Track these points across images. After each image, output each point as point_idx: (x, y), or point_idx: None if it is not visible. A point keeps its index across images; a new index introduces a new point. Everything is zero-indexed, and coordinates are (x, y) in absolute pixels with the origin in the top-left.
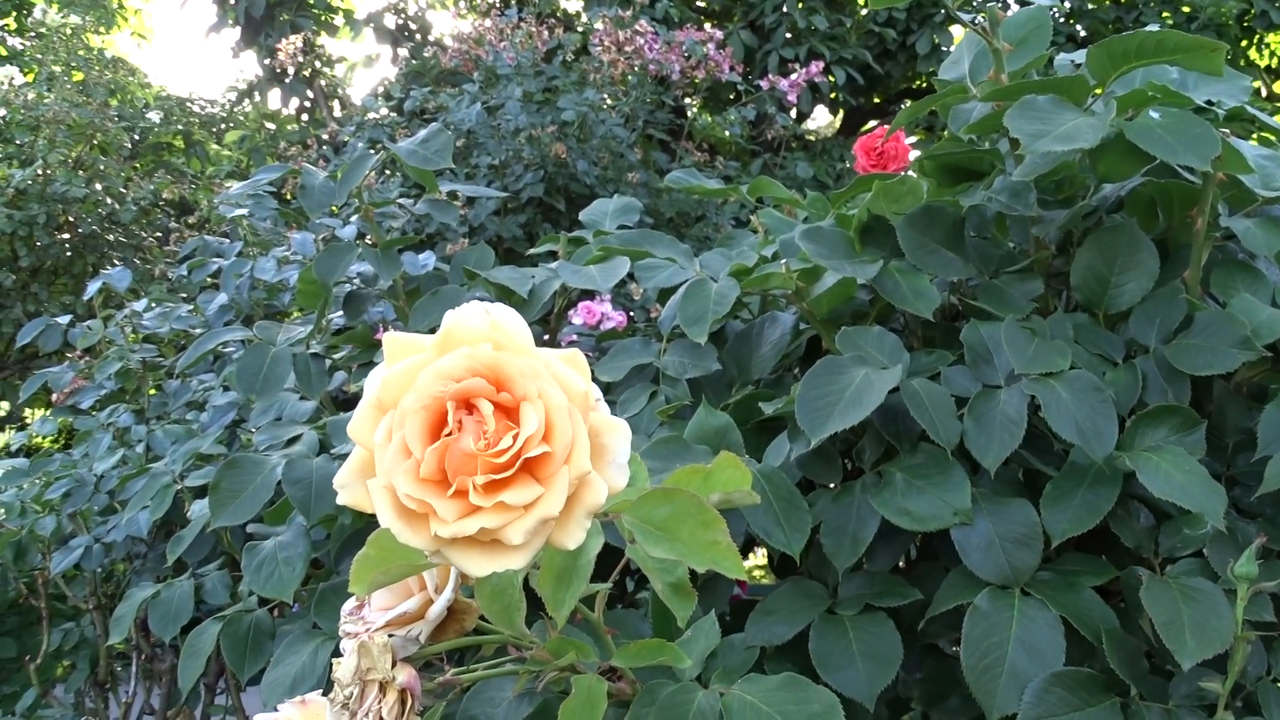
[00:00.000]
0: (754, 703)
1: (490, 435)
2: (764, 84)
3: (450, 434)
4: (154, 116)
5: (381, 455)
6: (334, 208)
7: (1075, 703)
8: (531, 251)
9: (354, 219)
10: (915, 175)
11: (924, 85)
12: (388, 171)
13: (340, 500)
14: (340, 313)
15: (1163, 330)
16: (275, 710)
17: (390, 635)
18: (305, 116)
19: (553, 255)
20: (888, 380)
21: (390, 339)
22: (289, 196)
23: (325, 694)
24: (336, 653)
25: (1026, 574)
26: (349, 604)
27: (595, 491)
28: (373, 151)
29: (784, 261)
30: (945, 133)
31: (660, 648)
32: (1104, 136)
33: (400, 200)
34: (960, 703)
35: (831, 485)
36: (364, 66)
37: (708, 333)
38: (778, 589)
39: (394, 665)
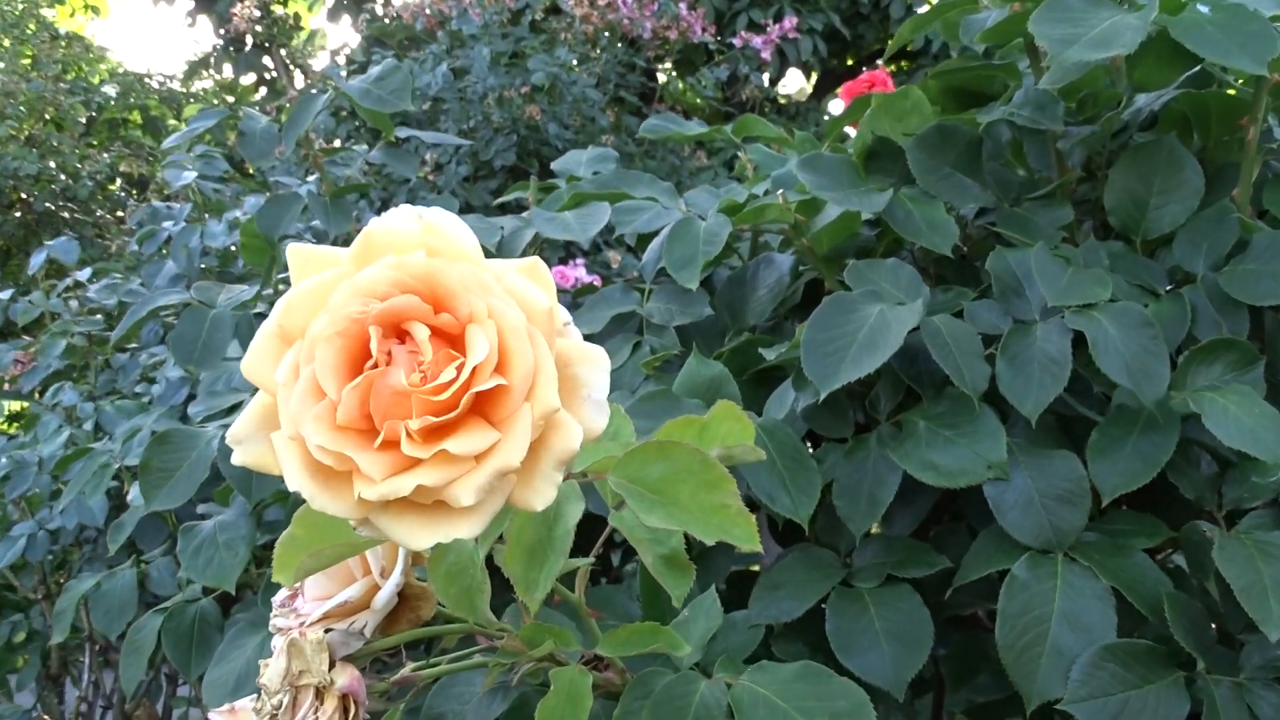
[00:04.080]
0: (767, 696)
1: (427, 367)
2: (737, 42)
3: (375, 367)
4: (110, 91)
5: (286, 398)
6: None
7: (1131, 680)
8: (499, 201)
9: (313, 178)
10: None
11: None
12: (351, 139)
13: (236, 459)
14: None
15: (1212, 256)
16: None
17: (328, 630)
18: (265, 88)
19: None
20: (906, 319)
21: (295, 250)
22: (250, 171)
23: None
24: None
25: (1071, 536)
26: (281, 594)
27: (566, 435)
28: (322, 93)
29: (780, 192)
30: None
31: (654, 633)
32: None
33: (353, 146)
34: (991, 680)
35: (841, 439)
36: (313, 44)
37: (699, 276)
38: (783, 559)
39: (332, 666)
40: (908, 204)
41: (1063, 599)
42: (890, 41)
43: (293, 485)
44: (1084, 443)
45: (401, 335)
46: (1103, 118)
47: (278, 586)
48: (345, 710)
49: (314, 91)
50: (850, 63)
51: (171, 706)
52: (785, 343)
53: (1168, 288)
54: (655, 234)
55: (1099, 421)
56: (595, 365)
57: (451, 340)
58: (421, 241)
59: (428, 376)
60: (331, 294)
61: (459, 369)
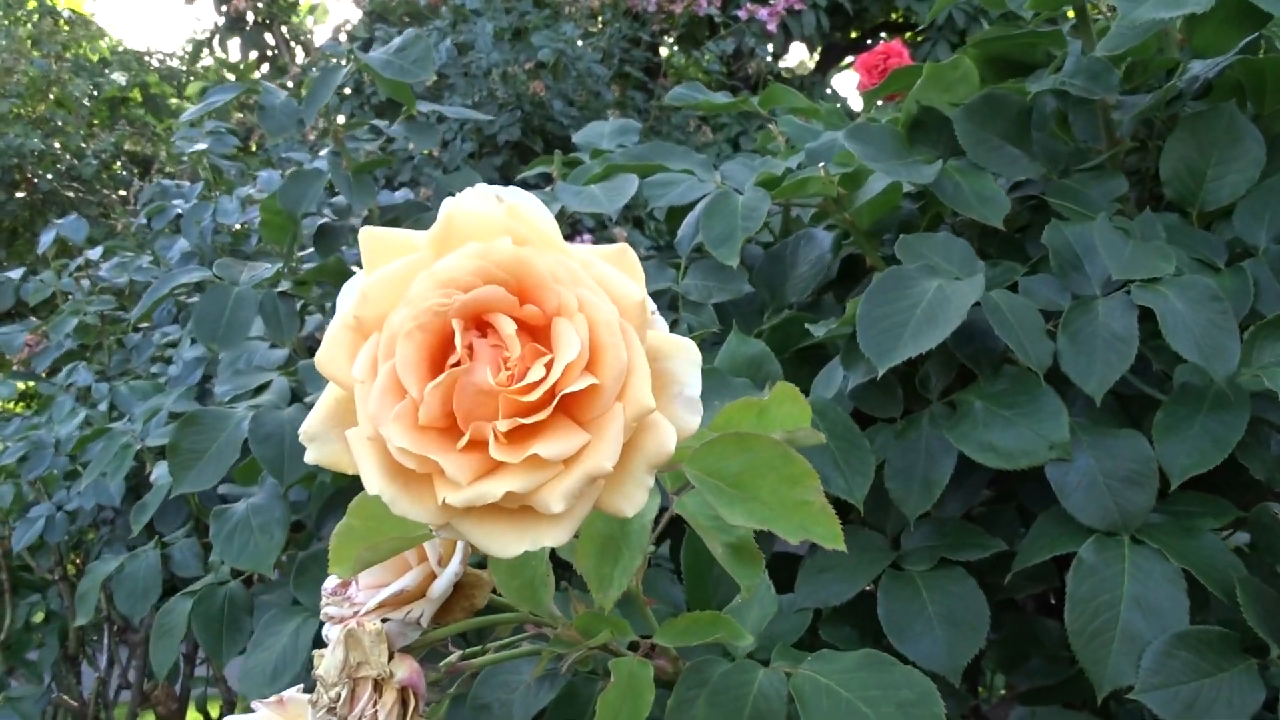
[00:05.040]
0: (829, 685)
1: (514, 364)
2: (742, 14)
3: (458, 363)
4: (118, 78)
5: (364, 395)
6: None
7: (1205, 668)
8: (522, 175)
9: (325, 152)
10: None
11: (901, 20)
12: (354, 117)
13: (309, 458)
14: (312, 250)
15: (1275, 228)
16: (252, 710)
17: (385, 620)
18: (267, 66)
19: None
20: (968, 293)
21: (370, 235)
22: (255, 148)
23: (310, 689)
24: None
25: (1139, 518)
26: (330, 581)
27: (660, 436)
28: (341, 66)
29: (822, 165)
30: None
31: (714, 621)
32: None
33: (374, 122)
34: (1044, 665)
35: (891, 420)
36: (317, 18)
37: (739, 252)
38: None
39: (391, 658)
40: (956, 176)
41: (1132, 583)
42: (895, 14)
43: (371, 488)
44: (1142, 422)
45: (482, 327)
46: (1154, 86)
47: (306, 570)
48: (404, 703)
49: (322, 65)
50: (854, 36)
51: (190, 687)
52: (832, 320)
53: (1226, 261)
54: (679, 209)
55: (1161, 400)
56: (686, 359)
57: (534, 333)
58: (505, 226)
59: (515, 375)
60: (410, 283)
61: (548, 367)
